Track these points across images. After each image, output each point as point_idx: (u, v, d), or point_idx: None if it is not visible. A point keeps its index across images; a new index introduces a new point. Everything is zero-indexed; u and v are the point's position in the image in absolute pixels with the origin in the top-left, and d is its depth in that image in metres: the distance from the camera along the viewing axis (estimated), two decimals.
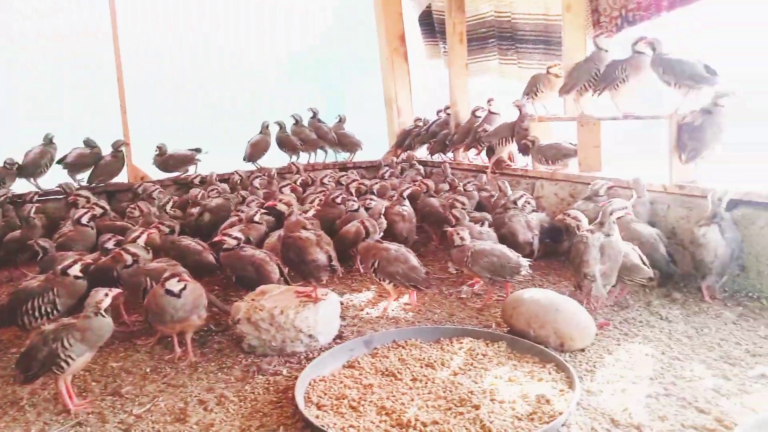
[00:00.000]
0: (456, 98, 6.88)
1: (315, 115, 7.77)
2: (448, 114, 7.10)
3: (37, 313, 3.39)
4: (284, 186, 5.82)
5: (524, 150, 5.85)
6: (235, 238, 4.04)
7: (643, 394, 2.73)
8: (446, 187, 5.84)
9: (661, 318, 3.64)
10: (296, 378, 3.02)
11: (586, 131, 5.21)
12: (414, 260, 3.92)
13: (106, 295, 2.88)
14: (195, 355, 3.44)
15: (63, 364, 2.77)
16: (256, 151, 7.36)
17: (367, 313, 4.01)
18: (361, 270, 4.84)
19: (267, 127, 7.40)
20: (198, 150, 6.89)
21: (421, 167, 7.01)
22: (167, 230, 4.53)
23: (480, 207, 5.50)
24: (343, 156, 8.05)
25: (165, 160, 6.87)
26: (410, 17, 8.03)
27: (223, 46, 9.34)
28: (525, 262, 3.94)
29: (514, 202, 4.76)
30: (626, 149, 6.13)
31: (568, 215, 4.04)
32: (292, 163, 7.23)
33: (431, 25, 7.78)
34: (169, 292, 3.20)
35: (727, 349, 3.16)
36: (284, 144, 7.55)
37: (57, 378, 2.86)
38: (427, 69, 8.38)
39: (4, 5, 7.63)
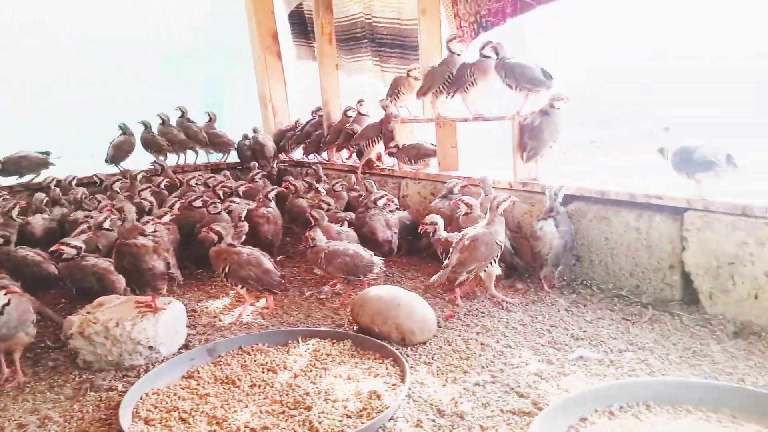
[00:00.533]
0: (327, 99, 6.90)
1: (183, 114, 7.50)
2: (321, 115, 7.11)
3: None
4: (143, 189, 5.56)
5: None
6: (74, 246, 3.81)
7: (472, 383, 2.87)
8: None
9: (501, 308, 3.86)
10: None
11: (443, 132, 5.40)
12: (267, 264, 3.89)
13: None
14: (25, 374, 3.21)
15: None
16: (118, 153, 6.99)
17: (221, 320, 3.93)
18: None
19: (128, 127, 7.00)
20: (47, 153, 6.43)
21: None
22: (0, 240, 4.19)
23: (350, 207, 5.56)
24: (216, 157, 7.84)
25: (17, 161, 6.35)
26: (283, 15, 7.94)
27: (85, 40, 8.76)
28: (378, 260, 4.03)
29: (375, 202, 4.85)
30: (494, 150, 6.43)
31: (426, 223, 4.24)
32: (156, 162, 6.93)
33: (302, 25, 7.73)
34: None
35: (555, 335, 3.40)
36: (150, 145, 7.22)
37: None
38: (305, 68, 8.33)
39: None
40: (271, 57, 7.93)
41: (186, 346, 3.49)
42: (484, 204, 4.49)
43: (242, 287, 3.85)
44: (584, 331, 3.43)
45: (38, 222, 5.23)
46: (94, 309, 3.41)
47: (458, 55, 5.05)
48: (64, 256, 3.82)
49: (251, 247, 4.00)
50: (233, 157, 7.80)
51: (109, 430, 2.64)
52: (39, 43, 8.19)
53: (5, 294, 2.99)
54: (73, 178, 6.29)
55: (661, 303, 3.73)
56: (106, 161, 6.99)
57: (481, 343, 3.33)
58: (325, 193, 5.52)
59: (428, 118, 5.56)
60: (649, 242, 3.79)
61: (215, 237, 3.91)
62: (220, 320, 3.93)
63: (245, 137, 7.50)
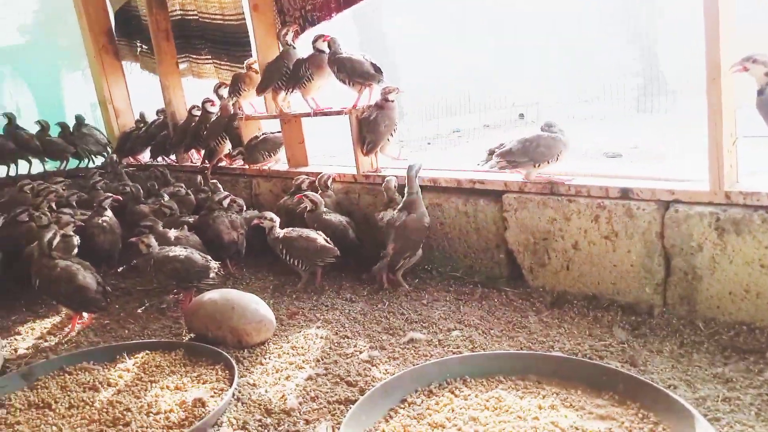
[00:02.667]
0: (170, 98, 6.61)
1: (11, 121, 6.85)
2: (166, 115, 6.80)
3: None
4: None
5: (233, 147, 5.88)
6: None
7: (303, 378, 2.90)
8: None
9: (345, 300, 3.92)
10: None
11: (289, 129, 5.38)
12: (83, 279, 3.63)
13: None
14: None
15: None
16: None
17: (47, 341, 3.66)
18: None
19: None
20: None
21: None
22: None
23: (199, 210, 5.38)
24: (53, 165, 7.26)
25: None
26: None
27: None
28: (214, 264, 3.93)
29: (219, 203, 4.73)
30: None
31: (264, 218, 4.18)
32: None
33: (128, 23, 7.29)
34: None
35: (392, 321, 3.52)
36: None
37: None
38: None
39: None
40: (108, 57, 7.45)
41: (2, 373, 3.20)
42: (325, 200, 4.55)
43: (56, 303, 3.61)
44: (419, 314, 3.58)
45: None
46: None
47: (294, 48, 5.04)
48: None
49: (70, 261, 3.72)
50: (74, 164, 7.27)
51: None
52: None
53: None
54: None
55: (491, 280, 3.98)
56: None
57: (321, 337, 3.37)
58: (168, 197, 5.29)
59: (272, 114, 5.50)
60: (477, 225, 4.04)
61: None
62: (46, 341, 3.65)
63: None
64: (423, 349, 3.12)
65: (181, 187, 5.53)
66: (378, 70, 4.50)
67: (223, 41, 6.06)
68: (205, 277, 3.90)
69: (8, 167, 6.85)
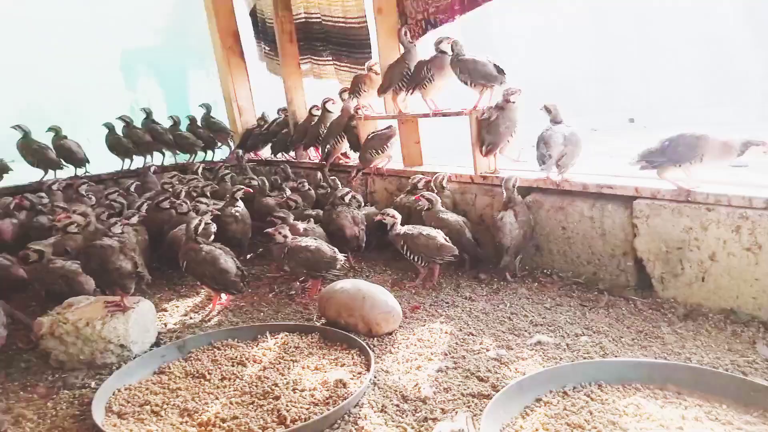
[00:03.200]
0: (292, 98, 6.96)
1: (148, 116, 7.48)
2: (287, 114, 7.17)
3: None
4: (112, 192, 5.55)
5: (356, 147, 6.11)
6: (36, 251, 3.82)
7: (434, 369, 3.00)
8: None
9: (465, 298, 4.00)
10: None
11: (406, 129, 5.53)
12: (225, 263, 3.92)
13: None
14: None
15: None
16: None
17: (191, 318, 3.99)
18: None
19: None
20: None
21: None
22: None
23: (318, 205, 5.65)
24: (183, 158, 7.84)
25: None
26: (244, 14, 7.96)
27: (44, 45, 8.64)
28: (341, 256, 4.12)
29: (342, 198, 4.94)
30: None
31: (386, 214, 4.32)
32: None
33: (255, 26, 7.77)
34: None
35: (516, 322, 3.55)
36: (115, 148, 7.19)
37: None
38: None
39: None
40: (234, 57, 7.94)
41: (157, 344, 3.55)
42: (442, 199, 4.64)
43: (201, 284, 3.92)
44: (543, 318, 3.59)
45: (7, 226, 5.18)
46: (63, 310, 3.44)
47: (414, 46, 5.17)
48: (30, 259, 3.83)
49: (212, 246, 4.04)
50: (199, 158, 7.81)
51: (82, 426, 2.70)
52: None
53: None
54: (54, 182, 6.15)
55: (617, 289, 3.91)
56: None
57: (445, 332, 3.46)
58: (290, 192, 5.58)
59: (390, 114, 5.66)
60: (603, 230, 3.98)
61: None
62: (190, 318, 3.99)
63: None
64: (551, 352, 3.13)
65: (304, 181, 5.80)
66: (501, 71, 4.53)
67: (344, 43, 6.31)
68: (332, 268, 4.10)
69: (144, 158, 7.46)
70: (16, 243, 5.00)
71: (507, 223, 4.17)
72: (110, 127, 7.19)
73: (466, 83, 4.60)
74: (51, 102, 8.13)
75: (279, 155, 7.34)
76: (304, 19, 6.79)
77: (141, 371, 3.08)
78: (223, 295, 4.15)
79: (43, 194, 5.79)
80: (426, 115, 5.14)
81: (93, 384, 3.11)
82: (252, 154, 7.72)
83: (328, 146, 6.20)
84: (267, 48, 7.60)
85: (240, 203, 5.28)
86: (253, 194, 5.65)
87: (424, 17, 5.13)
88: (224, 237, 4.95)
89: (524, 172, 4.47)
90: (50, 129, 6.75)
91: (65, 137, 6.79)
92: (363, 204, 5.21)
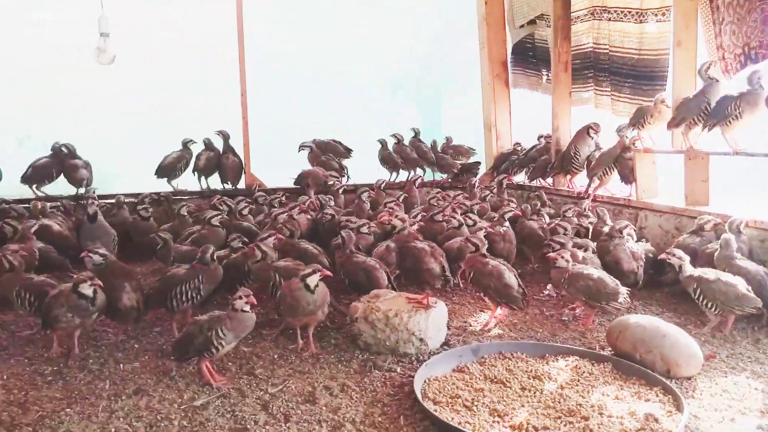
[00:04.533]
0: (558, 125, 7.00)
1: (416, 134, 8.12)
2: (548, 141, 7.23)
3: (183, 297, 3.86)
4: (389, 202, 6.13)
5: (627, 179, 5.94)
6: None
7: (753, 425, 2.79)
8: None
9: None
10: (410, 376, 3.31)
11: (693, 165, 5.22)
12: (509, 278, 4.07)
13: (246, 295, 3.26)
14: (316, 347, 3.78)
15: (214, 349, 3.18)
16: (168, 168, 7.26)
17: (470, 325, 4.23)
18: (460, 284, 5.05)
19: (187, 144, 7.32)
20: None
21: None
22: (288, 233, 4.95)
23: (577, 234, 5.60)
24: (439, 176, 8.35)
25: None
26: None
27: (335, 70, 9.91)
28: (623, 290, 4.03)
29: (620, 231, 4.83)
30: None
31: (673, 255, 4.13)
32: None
33: (525, 54, 7.96)
34: (306, 287, 3.56)
35: None
36: (386, 161, 7.93)
37: (201, 360, 3.26)
38: (518, 96, 8.56)
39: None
40: (500, 84, 8.26)
41: (447, 343, 3.84)
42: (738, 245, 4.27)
43: (483, 294, 4.12)
44: None
45: (303, 221, 6.03)
46: (372, 299, 3.90)
47: (717, 81, 4.87)
48: (339, 252, 4.44)
49: (499, 260, 4.24)
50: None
51: (400, 404, 3.03)
52: (309, 80, 9.44)
53: (319, 275, 3.57)
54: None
55: None
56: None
57: (755, 388, 3.19)
58: (548, 218, 5.64)
59: (677, 149, 5.40)
60: None
61: (468, 247, 4.24)
62: (470, 325, 4.23)
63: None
64: None
65: (570, 208, 5.78)
66: None
67: (629, 74, 6.20)
68: (613, 300, 4.04)
69: (408, 173, 8.10)
70: (308, 234, 5.79)
71: None
72: (383, 143, 7.96)
73: None
74: (334, 122, 9.30)
75: (535, 181, 7.42)
76: (589, 49, 6.82)
77: (442, 366, 3.35)
78: (498, 310, 4.32)
79: (329, 197, 6.63)
80: (726, 154, 4.80)
81: (398, 369, 3.47)
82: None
83: (595, 176, 6.12)
84: (547, 74, 7.78)
85: (507, 223, 5.46)
86: (515, 218, 5.80)
87: (744, 52, 4.82)
88: (491, 254, 5.16)
89: None
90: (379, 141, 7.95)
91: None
92: (635, 238, 5.03)
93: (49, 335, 3.83)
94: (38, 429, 2.85)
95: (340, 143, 7.92)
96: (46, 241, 5.11)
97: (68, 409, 3.02)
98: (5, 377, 3.40)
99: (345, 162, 7.80)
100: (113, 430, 2.84)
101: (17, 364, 3.58)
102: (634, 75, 6.13)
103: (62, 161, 6.70)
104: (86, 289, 3.54)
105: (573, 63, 6.96)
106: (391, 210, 5.86)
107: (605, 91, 6.61)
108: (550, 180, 7.26)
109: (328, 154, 7.66)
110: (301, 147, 7.35)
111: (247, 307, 3.25)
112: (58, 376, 3.44)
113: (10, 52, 7.74)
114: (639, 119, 5.71)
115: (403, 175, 8.06)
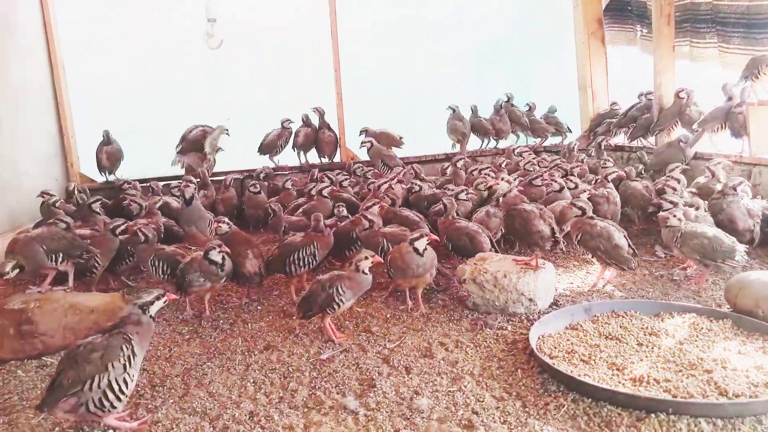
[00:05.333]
0: (661, 81, 6.70)
1: (509, 100, 8.05)
2: (650, 99, 6.94)
3: (300, 263, 4.12)
4: (483, 169, 6.15)
5: (738, 134, 5.64)
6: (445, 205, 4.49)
7: None
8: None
9: None
10: (521, 334, 3.41)
11: None
12: (618, 239, 4.02)
13: (371, 257, 3.45)
14: (425, 308, 3.94)
15: (335, 306, 3.40)
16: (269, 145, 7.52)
17: (578, 287, 4.24)
18: (563, 248, 5.03)
19: (285, 122, 7.46)
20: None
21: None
22: (389, 202, 5.12)
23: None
24: (532, 140, 8.24)
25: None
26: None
27: (424, 35, 9.89)
28: (741, 247, 3.89)
29: (734, 188, 4.62)
30: None
31: None
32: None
33: (623, 9, 7.61)
34: (416, 250, 3.71)
35: None
36: (477, 129, 7.91)
37: (324, 317, 3.50)
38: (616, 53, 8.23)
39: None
40: (595, 42, 7.98)
41: (555, 303, 3.88)
42: None
43: (592, 256, 4.09)
44: None
45: (400, 191, 6.17)
46: (479, 262, 4.00)
47: None
48: (442, 218, 4.55)
49: (607, 222, 4.19)
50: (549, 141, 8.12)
51: (515, 359, 3.13)
52: (397, 50, 9.51)
53: (426, 239, 3.71)
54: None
55: None
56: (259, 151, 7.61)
57: None
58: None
59: None
60: None
61: (574, 211, 4.22)
62: (577, 286, 4.24)
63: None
64: None
65: (677, 167, 5.55)
66: None
67: (739, 23, 5.82)
68: (729, 258, 3.91)
69: (497, 140, 8.04)
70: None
71: None
72: (474, 110, 7.94)
73: None
74: (423, 91, 9.33)
75: (636, 141, 7.16)
76: (688, 0, 6.46)
77: (555, 324, 3.40)
78: (607, 271, 4.28)
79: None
80: None
81: (509, 328, 3.56)
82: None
83: (705, 131, 5.84)
84: (644, 30, 7.45)
85: (611, 185, 5.35)
86: (619, 179, 5.66)
87: None
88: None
89: None
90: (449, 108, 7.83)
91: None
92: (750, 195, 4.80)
93: (181, 301, 4.21)
94: (186, 379, 3.19)
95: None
96: (167, 217, 5.57)
97: (209, 363, 3.35)
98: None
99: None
100: (252, 380, 3.13)
101: (157, 326, 3.97)
102: (744, 24, 5.75)
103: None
104: (216, 256, 3.86)
105: (681, 15, 6.60)
106: (488, 175, 5.89)
107: (710, 43, 6.24)
108: (652, 140, 6.98)
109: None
110: (362, 144, 7.44)
111: (368, 269, 3.44)
112: (195, 335, 3.80)
113: (125, 36, 8.24)
114: (752, 70, 5.38)
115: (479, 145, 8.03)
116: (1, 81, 6.07)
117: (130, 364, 2.60)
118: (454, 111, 7.75)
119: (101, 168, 7.14)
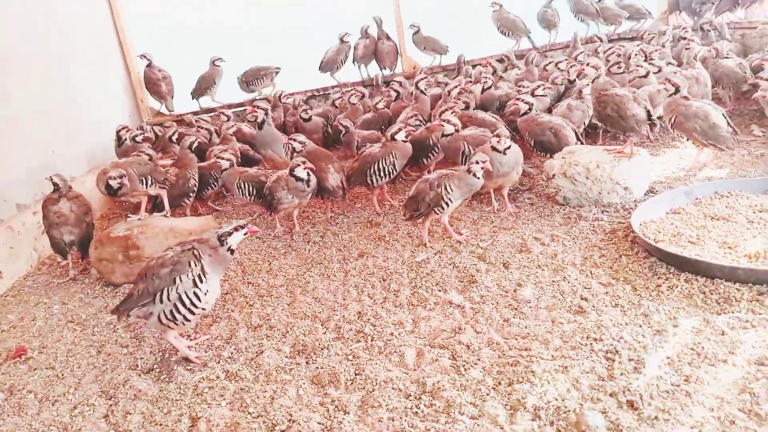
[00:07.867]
0: None
1: None
2: None
3: (381, 173, 4.11)
4: (560, 62, 5.84)
5: None
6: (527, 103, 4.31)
7: None
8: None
9: None
10: (619, 223, 3.31)
11: None
12: (716, 117, 3.77)
13: (483, 161, 3.36)
14: (512, 207, 3.88)
15: (444, 205, 3.37)
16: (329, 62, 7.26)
17: (672, 172, 4.05)
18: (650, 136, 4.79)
19: (343, 37, 7.21)
20: None
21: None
22: (463, 106, 4.97)
23: None
24: (603, 29, 7.70)
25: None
26: None
27: None
28: None
29: None
30: None
31: None
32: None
33: None
34: (494, 149, 3.61)
35: None
36: (544, 20, 7.46)
37: (427, 218, 3.48)
38: None
39: None
40: None
41: (651, 191, 3.73)
42: None
43: (686, 139, 3.87)
44: None
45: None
46: (567, 155, 3.86)
47: None
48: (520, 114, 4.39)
49: (703, 101, 3.93)
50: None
51: (617, 247, 3.07)
52: None
53: (507, 139, 3.60)
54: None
55: None
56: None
57: None
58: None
59: None
60: None
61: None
62: (672, 172, 4.05)
63: None
64: None
65: None
66: None
67: None
68: None
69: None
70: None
71: None
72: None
73: None
74: None
75: (721, 16, 6.56)
76: None
77: (655, 210, 3.28)
78: (703, 155, 4.06)
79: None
80: None
81: (605, 218, 3.47)
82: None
83: None
84: None
85: (699, 64, 4.98)
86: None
87: None
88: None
89: None
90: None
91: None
92: None
93: (270, 219, 4.32)
94: (290, 288, 3.31)
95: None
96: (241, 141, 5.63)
97: (309, 272, 3.46)
98: (247, 253, 3.94)
99: None
100: (353, 284, 3.21)
101: (252, 243, 4.11)
102: None
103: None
104: (301, 172, 3.90)
105: None
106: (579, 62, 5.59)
107: None
108: (741, 13, 6.38)
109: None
110: (411, 26, 7.04)
111: (481, 173, 3.37)
112: (290, 248, 3.91)
113: None
114: None
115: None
116: (69, 22, 6.13)
117: (201, 281, 2.62)
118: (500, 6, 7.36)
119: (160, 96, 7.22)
